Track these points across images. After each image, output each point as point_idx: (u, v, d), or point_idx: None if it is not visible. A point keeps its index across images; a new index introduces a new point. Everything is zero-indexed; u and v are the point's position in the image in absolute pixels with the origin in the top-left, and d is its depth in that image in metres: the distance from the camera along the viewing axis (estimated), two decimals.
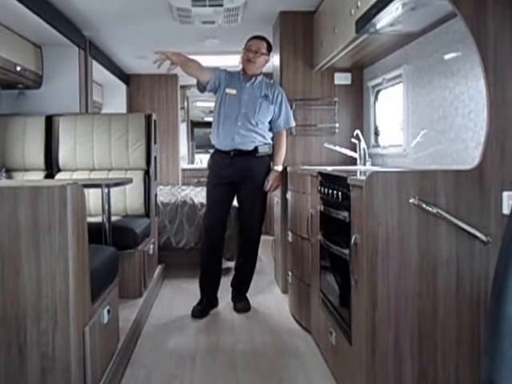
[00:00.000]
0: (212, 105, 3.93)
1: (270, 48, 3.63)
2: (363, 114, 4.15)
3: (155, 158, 4.27)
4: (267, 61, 3.64)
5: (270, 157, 3.67)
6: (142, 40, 5.08)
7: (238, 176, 3.54)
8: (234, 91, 3.54)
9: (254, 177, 3.57)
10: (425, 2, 2.32)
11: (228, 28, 4.45)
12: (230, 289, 3.78)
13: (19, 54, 4.08)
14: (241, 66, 3.64)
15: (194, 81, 3.62)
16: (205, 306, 3.58)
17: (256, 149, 3.53)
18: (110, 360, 2.37)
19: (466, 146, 2.53)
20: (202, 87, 3.57)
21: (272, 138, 3.65)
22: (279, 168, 3.68)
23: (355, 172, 2.72)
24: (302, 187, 3.23)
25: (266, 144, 3.58)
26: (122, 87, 6.90)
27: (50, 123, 4.16)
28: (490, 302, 1.01)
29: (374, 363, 1.94)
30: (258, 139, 3.54)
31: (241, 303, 3.68)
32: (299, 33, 4.08)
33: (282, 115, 3.63)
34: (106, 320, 2.30)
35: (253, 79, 3.58)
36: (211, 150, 3.72)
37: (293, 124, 3.77)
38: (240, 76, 3.59)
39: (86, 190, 2.14)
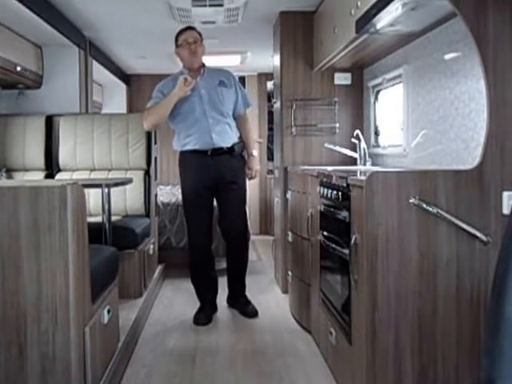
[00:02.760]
0: None
1: (201, 36, 3.48)
2: (363, 114, 4.15)
3: (155, 158, 4.27)
4: (204, 48, 3.50)
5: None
6: (142, 40, 5.08)
7: (219, 176, 3.42)
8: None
9: (235, 177, 3.49)
10: (425, 2, 2.32)
11: (228, 28, 4.45)
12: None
13: (19, 54, 4.08)
14: (181, 66, 3.52)
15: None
16: (207, 312, 3.46)
17: (233, 147, 3.44)
18: (109, 360, 2.37)
19: (466, 145, 2.53)
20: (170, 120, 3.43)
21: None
22: (255, 152, 3.67)
23: (355, 172, 2.72)
24: (302, 187, 3.23)
25: (240, 142, 3.53)
26: (121, 87, 6.89)
27: (50, 123, 4.16)
28: (489, 302, 1.01)
29: (374, 363, 1.95)
30: (232, 134, 3.46)
31: (247, 307, 3.57)
32: (299, 33, 4.08)
33: (239, 96, 3.54)
34: (106, 320, 2.30)
35: (201, 71, 3.47)
36: None
37: (251, 103, 3.70)
38: (185, 75, 3.40)
39: (86, 190, 2.14)
